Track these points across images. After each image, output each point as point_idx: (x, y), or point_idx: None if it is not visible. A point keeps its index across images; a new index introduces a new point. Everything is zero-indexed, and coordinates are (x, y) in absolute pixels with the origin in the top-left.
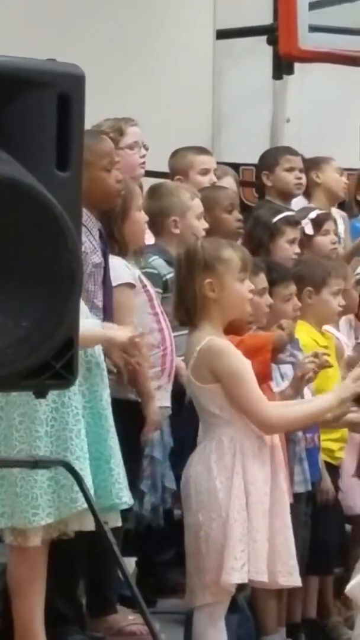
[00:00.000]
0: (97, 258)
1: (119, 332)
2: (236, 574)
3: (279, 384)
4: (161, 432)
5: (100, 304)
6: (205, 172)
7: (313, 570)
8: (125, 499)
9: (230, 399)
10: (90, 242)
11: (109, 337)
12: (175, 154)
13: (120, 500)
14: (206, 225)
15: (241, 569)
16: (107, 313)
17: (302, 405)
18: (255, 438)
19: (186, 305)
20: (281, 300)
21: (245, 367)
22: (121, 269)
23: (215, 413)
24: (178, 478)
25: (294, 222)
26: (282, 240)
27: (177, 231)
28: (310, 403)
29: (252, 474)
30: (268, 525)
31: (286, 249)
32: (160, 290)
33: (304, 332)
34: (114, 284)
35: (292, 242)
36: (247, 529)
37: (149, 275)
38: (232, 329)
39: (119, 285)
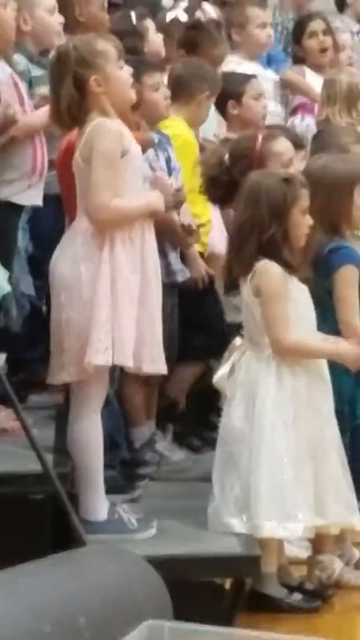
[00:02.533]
0: None
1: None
2: (100, 356)
3: None
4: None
5: None
6: None
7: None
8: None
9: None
10: None
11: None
12: None
13: None
14: (61, 20)
15: (105, 352)
16: None
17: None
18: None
19: (67, 106)
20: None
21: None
22: None
23: None
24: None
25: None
26: (150, 34)
27: (27, 28)
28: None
29: (119, 262)
30: (136, 313)
31: (156, 40)
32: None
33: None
34: None
35: (155, 32)
36: (113, 315)
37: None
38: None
39: None
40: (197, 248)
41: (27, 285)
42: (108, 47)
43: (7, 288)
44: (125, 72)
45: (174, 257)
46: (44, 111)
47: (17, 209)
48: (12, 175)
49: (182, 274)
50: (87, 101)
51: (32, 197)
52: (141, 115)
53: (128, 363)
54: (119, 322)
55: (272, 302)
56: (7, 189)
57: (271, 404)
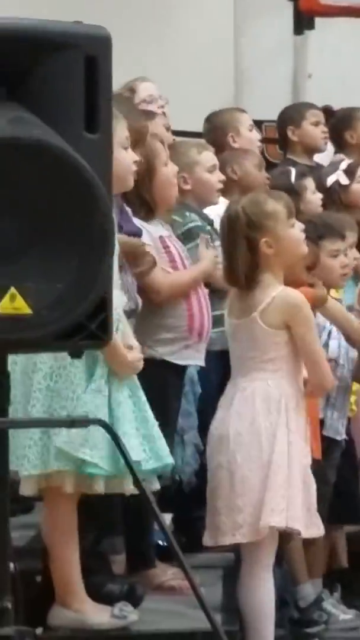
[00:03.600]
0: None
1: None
2: (276, 517)
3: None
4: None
5: None
6: (252, 127)
7: (340, 520)
8: (168, 459)
9: (301, 347)
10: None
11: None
12: (217, 114)
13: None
14: (222, 177)
15: (281, 513)
16: None
17: None
18: (297, 389)
19: (240, 268)
20: (328, 254)
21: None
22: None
23: (272, 358)
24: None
25: (308, 172)
26: (308, 194)
27: (187, 187)
28: None
29: (294, 424)
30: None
31: (314, 200)
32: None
33: None
34: None
35: (314, 192)
36: (287, 477)
37: (196, 228)
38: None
39: None
40: None
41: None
42: (277, 207)
43: (170, 460)
44: (296, 230)
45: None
46: (195, 270)
47: (177, 368)
48: (167, 335)
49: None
50: (259, 261)
51: (193, 358)
52: (318, 277)
53: (299, 526)
54: (292, 484)
55: None
56: (163, 348)
57: None
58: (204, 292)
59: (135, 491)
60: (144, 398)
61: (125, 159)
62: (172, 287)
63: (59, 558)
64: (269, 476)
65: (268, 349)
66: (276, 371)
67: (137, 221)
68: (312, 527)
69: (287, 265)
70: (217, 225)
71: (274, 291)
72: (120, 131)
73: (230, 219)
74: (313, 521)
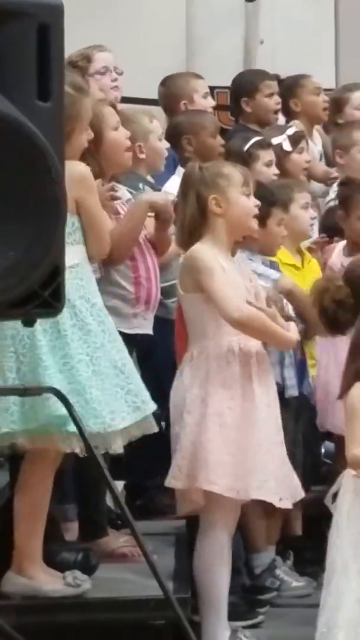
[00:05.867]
0: None
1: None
2: (213, 485)
3: None
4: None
5: None
6: (206, 95)
7: None
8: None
9: (206, 295)
10: None
11: (150, 200)
12: (172, 78)
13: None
14: (167, 145)
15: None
16: None
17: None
18: (224, 354)
19: (189, 226)
20: (276, 223)
21: (216, 265)
22: None
23: (193, 323)
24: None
25: (266, 144)
26: (259, 165)
27: (142, 156)
28: (277, 325)
29: (220, 390)
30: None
31: (265, 172)
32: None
33: (280, 255)
34: None
35: (268, 164)
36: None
37: None
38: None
39: None
40: None
41: None
42: (233, 171)
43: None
44: (249, 201)
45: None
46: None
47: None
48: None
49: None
50: (205, 221)
51: (142, 326)
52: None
53: (212, 488)
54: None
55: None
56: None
57: None
58: (153, 260)
59: None
60: None
61: (116, 139)
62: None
63: (30, 521)
64: (202, 443)
65: (190, 314)
66: (201, 336)
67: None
68: (260, 489)
69: (234, 233)
70: None
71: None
72: (109, 114)
73: (185, 175)
74: (260, 484)
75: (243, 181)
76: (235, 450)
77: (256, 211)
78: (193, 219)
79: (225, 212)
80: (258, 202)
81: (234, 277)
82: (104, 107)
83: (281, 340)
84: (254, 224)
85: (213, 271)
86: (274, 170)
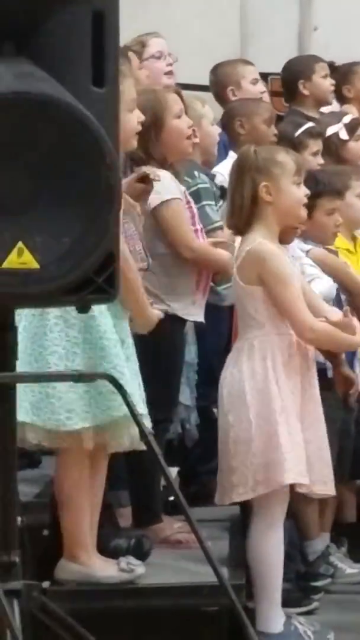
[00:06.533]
0: None
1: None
2: (281, 475)
3: None
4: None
5: None
6: (255, 81)
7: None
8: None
9: (274, 302)
10: None
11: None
12: (221, 66)
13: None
14: (219, 130)
15: (287, 470)
16: None
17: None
18: (286, 347)
19: (240, 211)
20: (324, 213)
21: (292, 273)
22: (168, 183)
23: (252, 315)
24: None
25: (316, 133)
26: (306, 153)
27: (196, 140)
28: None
29: (282, 381)
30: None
31: (310, 160)
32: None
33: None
34: (165, 197)
35: (315, 154)
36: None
37: (204, 190)
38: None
39: (173, 199)
40: None
41: (185, 395)
42: (287, 159)
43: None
44: (300, 191)
45: None
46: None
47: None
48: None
49: None
50: (255, 208)
51: (196, 314)
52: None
53: (306, 481)
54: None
55: None
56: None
57: None
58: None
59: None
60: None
61: (130, 121)
62: (201, 255)
63: (70, 511)
64: (268, 434)
65: (247, 305)
66: (261, 328)
67: (163, 171)
68: (323, 484)
69: (282, 222)
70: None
71: (250, 244)
72: (128, 91)
73: (240, 158)
74: (323, 478)
75: (296, 170)
76: (301, 442)
77: (305, 201)
78: (246, 203)
79: (275, 200)
80: (308, 192)
81: (291, 268)
82: (169, 94)
83: (350, 346)
84: (303, 213)
85: (288, 280)
86: (319, 160)
